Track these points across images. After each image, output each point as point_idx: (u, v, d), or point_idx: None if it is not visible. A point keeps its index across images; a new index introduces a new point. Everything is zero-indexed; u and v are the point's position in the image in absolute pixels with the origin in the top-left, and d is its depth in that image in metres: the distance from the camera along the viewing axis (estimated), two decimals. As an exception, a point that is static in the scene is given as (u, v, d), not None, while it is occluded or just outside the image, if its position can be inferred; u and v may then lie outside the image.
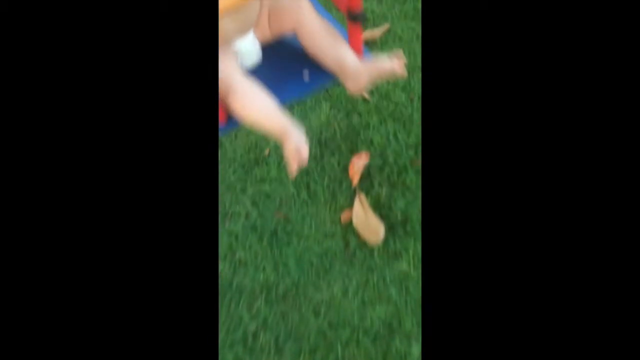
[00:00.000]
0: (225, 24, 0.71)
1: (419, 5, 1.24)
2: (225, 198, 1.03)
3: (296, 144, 0.74)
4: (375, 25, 1.22)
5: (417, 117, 1.04)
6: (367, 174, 0.99)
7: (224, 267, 0.92)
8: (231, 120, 0.83)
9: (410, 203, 0.93)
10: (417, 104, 1.07)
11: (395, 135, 1.03)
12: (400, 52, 0.78)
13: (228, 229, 0.97)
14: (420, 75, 1.10)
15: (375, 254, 0.89)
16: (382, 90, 1.09)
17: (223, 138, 1.10)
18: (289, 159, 0.75)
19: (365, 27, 1.13)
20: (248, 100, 0.78)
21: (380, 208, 0.94)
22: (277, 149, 1.03)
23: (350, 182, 0.99)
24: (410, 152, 1.00)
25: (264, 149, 1.07)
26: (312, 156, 1.03)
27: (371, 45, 1.18)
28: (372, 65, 0.79)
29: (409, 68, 0.93)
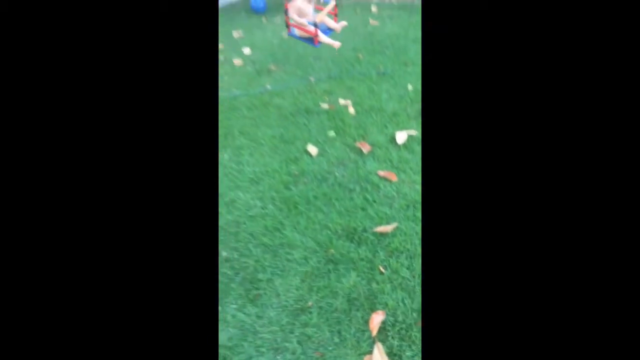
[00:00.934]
0: None
1: (419, 214, 1.81)
2: (276, 335, 1.36)
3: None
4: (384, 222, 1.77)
5: (419, 289, 1.47)
6: (383, 328, 1.35)
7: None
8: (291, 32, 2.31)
9: (415, 354, 1.27)
10: (418, 279, 1.51)
11: (403, 301, 1.43)
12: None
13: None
14: (420, 260, 1.58)
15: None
16: (393, 266, 1.55)
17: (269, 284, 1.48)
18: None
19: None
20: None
21: (392, 356, 1.27)
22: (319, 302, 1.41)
23: (370, 332, 1.34)
24: (415, 314, 1.39)
25: (307, 302, 1.46)
26: (343, 310, 1.42)
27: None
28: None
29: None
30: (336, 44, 2.46)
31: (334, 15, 2.54)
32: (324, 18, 2.42)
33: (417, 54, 3.31)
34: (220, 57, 3.62)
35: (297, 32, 2.44)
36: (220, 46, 3.88)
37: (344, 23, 2.56)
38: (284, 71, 3.27)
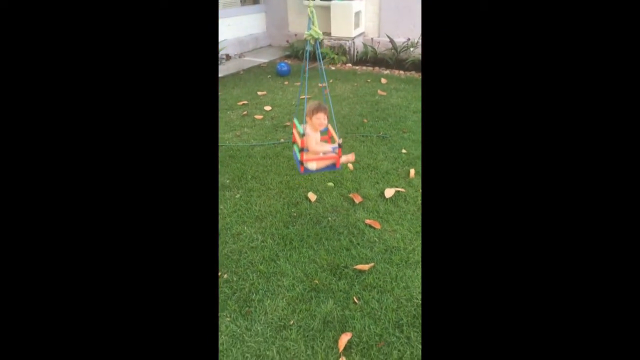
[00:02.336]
0: None
1: (395, 257, 2.10)
2: (260, 345, 1.62)
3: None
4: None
5: (384, 318, 1.72)
6: (348, 346, 1.59)
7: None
8: (306, 170, 2.08)
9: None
10: (385, 310, 1.77)
11: (369, 326, 1.66)
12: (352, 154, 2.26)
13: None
14: (389, 295, 1.85)
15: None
16: (365, 298, 1.82)
17: None
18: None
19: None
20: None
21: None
22: None
23: (338, 349, 1.59)
24: (377, 337, 1.63)
25: (290, 320, 1.73)
26: (318, 330, 1.67)
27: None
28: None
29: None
30: (351, 157, 2.26)
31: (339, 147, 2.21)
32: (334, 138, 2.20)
33: (415, 123, 3.76)
34: (244, 112, 4.16)
35: (314, 166, 2.13)
36: (245, 102, 4.45)
37: (351, 156, 2.31)
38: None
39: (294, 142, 2.26)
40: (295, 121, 2.22)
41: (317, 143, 2.12)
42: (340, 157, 2.12)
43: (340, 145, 2.09)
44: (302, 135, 2.09)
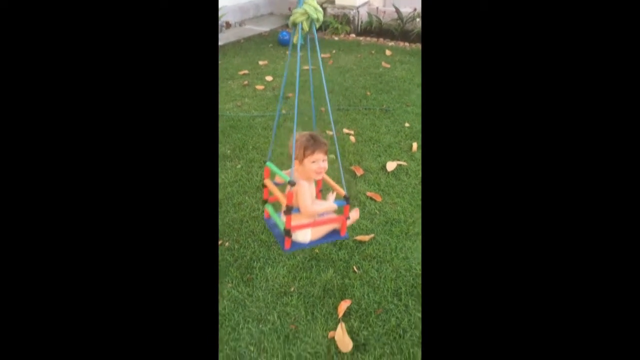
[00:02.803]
0: None
1: (395, 229, 2.12)
2: (261, 310, 1.66)
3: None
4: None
5: (382, 286, 1.76)
6: (347, 312, 1.63)
7: None
8: (294, 244, 1.38)
9: (370, 334, 1.55)
10: (384, 279, 1.81)
11: (368, 294, 1.70)
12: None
13: None
14: (388, 265, 1.88)
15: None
16: (365, 267, 1.86)
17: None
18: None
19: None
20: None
21: (352, 334, 1.55)
22: None
23: (337, 315, 1.63)
24: (375, 305, 1.67)
25: (290, 287, 1.76)
26: (318, 297, 1.71)
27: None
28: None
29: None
30: (356, 215, 1.60)
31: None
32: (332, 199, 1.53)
33: (418, 96, 3.71)
34: (245, 82, 4.08)
35: (307, 235, 1.43)
36: (246, 72, 4.36)
37: (355, 215, 1.63)
38: (299, 99, 3.69)
39: (266, 201, 1.50)
40: (270, 165, 1.43)
41: (313, 200, 1.37)
42: (347, 218, 1.41)
43: (347, 200, 1.35)
44: (291, 183, 1.26)
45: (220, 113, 3.40)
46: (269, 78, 4.19)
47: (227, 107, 3.54)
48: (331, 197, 1.54)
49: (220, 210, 2.22)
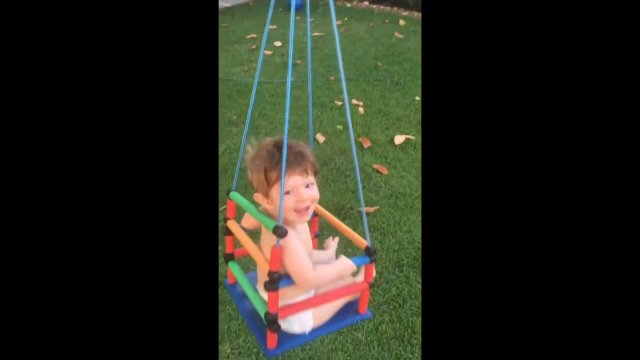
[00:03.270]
0: None
1: (400, 202, 2.11)
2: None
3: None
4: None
5: (385, 257, 1.78)
6: (349, 282, 1.66)
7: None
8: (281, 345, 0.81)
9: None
10: (386, 251, 1.82)
11: (370, 265, 1.74)
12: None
13: None
14: (391, 237, 1.89)
15: None
16: (368, 239, 1.86)
17: None
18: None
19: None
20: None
21: (352, 303, 1.58)
22: None
23: (339, 284, 1.65)
24: (376, 275, 1.70)
25: None
26: (320, 264, 1.73)
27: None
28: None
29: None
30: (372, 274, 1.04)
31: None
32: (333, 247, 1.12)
33: (431, 69, 3.61)
34: (252, 46, 3.97)
35: (308, 320, 0.93)
36: (254, 36, 4.23)
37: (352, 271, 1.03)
38: (307, 67, 3.60)
39: (230, 256, 1.05)
40: (236, 197, 1.02)
41: (313, 271, 0.85)
42: (369, 284, 0.97)
43: (371, 254, 0.95)
44: (278, 233, 0.79)
45: (226, 77, 3.32)
46: (277, 43, 4.07)
47: (234, 70, 3.46)
48: (332, 245, 1.04)
49: (226, 175, 2.21)
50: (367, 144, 2.55)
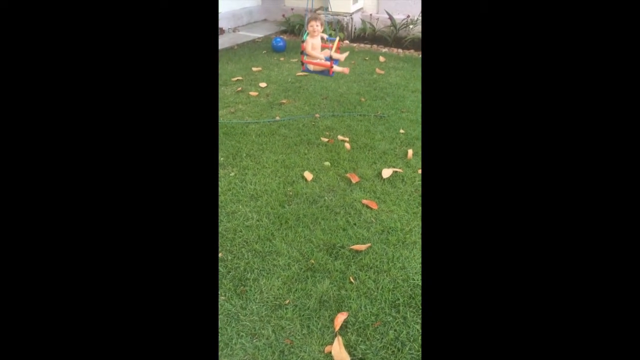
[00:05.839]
0: None
1: (392, 238, 2.08)
2: (255, 324, 1.61)
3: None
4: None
5: (380, 297, 1.71)
6: (344, 325, 1.59)
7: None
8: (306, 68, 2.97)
9: (367, 348, 1.50)
10: (381, 290, 1.77)
11: (365, 306, 1.66)
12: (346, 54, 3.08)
13: None
14: (385, 276, 1.84)
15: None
16: (362, 278, 1.81)
17: None
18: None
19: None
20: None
21: (349, 348, 1.51)
22: (294, 300, 1.66)
23: (334, 328, 1.58)
24: (373, 317, 1.63)
25: (285, 300, 1.71)
26: (314, 309, 1.66)
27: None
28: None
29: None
30: (346, 70, 2.99)
31: (337, 49, 3.10)
32: (333, 53, 3.01)
33: (413, 102, 3.69)
34: (238, 88, 4.04)
35: (311, 67, 2.96)
36: (239, 78, 4.32)
37: (346, 54, 3.17)
38: (293, 106, 3.66)
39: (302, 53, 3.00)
40: (305, 35, 2.93)
41: (313, 48, 2.89)
42: (332, 67, 2.86)
43: (330, 58, 2.84)
44: (303, 40, 2.89)
45: (213, 120, 3.34)
46: (262, 84, 4.16)
47: (221, 113, 3.49)
48: (323, 53, 2.99)
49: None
50: (355, 179, 2.54)
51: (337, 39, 3.05)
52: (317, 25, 2.82)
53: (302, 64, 2.96)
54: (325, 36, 3.04)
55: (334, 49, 2.95)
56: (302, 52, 2.89)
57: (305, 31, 2.90)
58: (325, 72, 2.95)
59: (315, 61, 2.88)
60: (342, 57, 3.02)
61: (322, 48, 3.04)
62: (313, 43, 2.90)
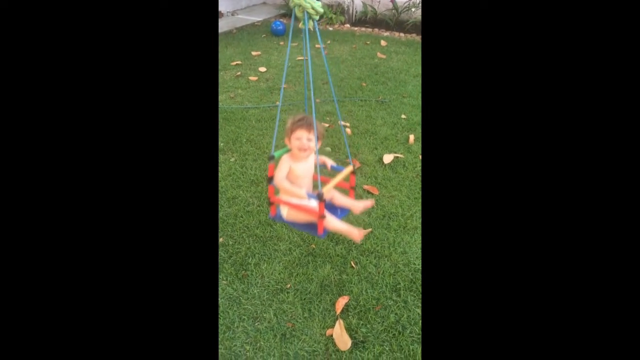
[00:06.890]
0: None
1: (392, 223, 2.08)
2: (257, 307, 1.62)
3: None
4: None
5: (381, 282, 1.72)
6: (345, 309, 1.60)
7: None
8: (277, 215, 1.44)
9: (369, 331, 1.51)
10: (382, 275, 1.77)
11: (366, 290, 1.67)
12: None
13: None
14: (386, 260, 1.85)
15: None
16: (363, 263, 1.82)
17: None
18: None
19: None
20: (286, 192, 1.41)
21: (350, 331, 1.52)
22: None
23: (335, 312, 1.59)
24: (374, 301, 1.64)
25: (286, 284, 1.72)
26: (315, 293, 1.67)
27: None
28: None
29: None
30: (359, 234, 1.45)
31: (350, 188, 1.55)
32: (334, 192, 1.50)
33: (415, 87, 3.65)
34: (237, 73, 3.99)
35: (284, 212, 1.47)
36: (238, 62, 4.26)
37: (368, 203, 1.56)
38: (293, 90, 3.62)
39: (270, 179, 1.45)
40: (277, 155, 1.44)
41: (294, 179, 1.40)
42: (323, 216, 1.32)
43: (319, 197, 1.26)
44: (270, 158, 1.37)
45: (212, 105, 3.31)
46: (262, 69, 4.10)
47: (220, 98, 3.46)
48: (309, 190, 1.50)
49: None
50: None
51: (352, 167, 1.50)
52: (307, 139, 1.40)
53: (270, 204, 1.47)
54: (330, 164, 1.56)
55: (334, 182, 1.42)
56: (270, 181, 1.42)
57: (285, 147, 1.47)
58: (309, 229, 1.43)
59: (294, 202, 1.41)
60: (358, 208, 1.53)
61: (321, 182, 1.44)
62: (297, 170, 1.43)
